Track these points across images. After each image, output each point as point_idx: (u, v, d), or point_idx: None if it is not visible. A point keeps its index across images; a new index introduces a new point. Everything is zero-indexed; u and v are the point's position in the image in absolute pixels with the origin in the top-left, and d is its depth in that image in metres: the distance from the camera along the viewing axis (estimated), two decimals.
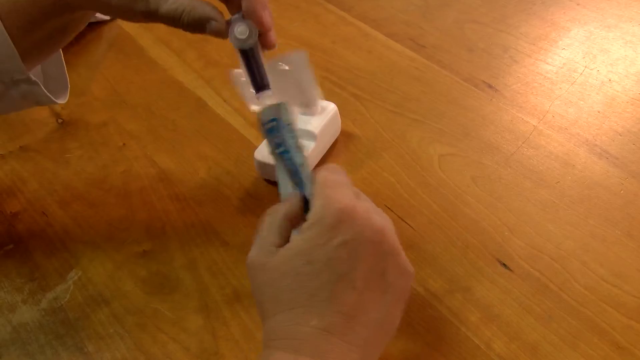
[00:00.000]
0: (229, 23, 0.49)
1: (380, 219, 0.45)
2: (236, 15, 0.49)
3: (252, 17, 0.47)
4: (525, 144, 0.69)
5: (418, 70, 0.81)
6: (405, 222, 0.62)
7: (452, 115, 0.73)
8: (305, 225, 0.44)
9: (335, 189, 0.45)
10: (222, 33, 0.48)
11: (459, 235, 0.60)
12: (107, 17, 0.95)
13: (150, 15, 0.49)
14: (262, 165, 0.66)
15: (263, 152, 0.66)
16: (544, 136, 0.69)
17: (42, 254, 0.62)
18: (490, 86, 0.77)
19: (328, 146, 0.70)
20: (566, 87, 0.75)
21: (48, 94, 0.57)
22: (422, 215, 0.62)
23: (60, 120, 0.78)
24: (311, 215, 0.44)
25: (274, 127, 0.49)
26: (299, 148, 0.49)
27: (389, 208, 0.63)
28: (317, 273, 0.42)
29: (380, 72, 0.81)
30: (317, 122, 0.68)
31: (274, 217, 0.46)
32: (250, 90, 0.53)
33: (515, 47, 0.83)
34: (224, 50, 0.87)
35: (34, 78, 0.55)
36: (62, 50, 0.61)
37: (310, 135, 0.67)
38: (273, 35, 0.51)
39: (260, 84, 0.53)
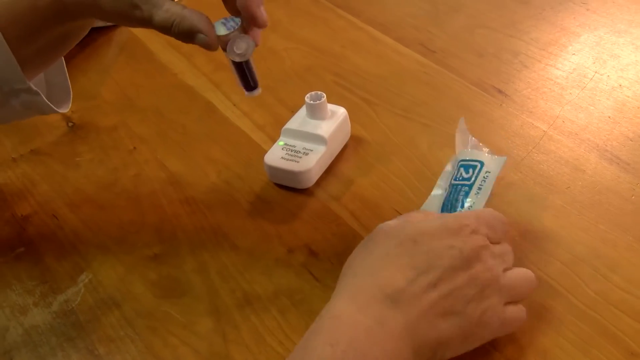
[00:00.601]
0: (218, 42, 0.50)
1: (488, 256, 0.48)
2: (234, 32, 0.49)
3: (246, 14, 0.47)
4: (535, 149, 0.69)
5: (427, 75, 0.81)
6: None
7: None
8: (443, 215, 0.50)
9: (482, 223, 0.50)
10: (210, 47, 0.49)
11: None
12: None
13: (146, 23, 0.50)
14: (272, 169, 0.66)
15: (273, 156, 0.66)
16: (554, 141, 0.69)
17: (53, 256, 0.62)
18: (500, 91, 0.77)
19: (338, 150, 0.70)
20: (576, 93, 0.75)
21: (49, 103, 0.58)
22: None
23: (70, 124, 0.78)
24: (445, 215, 0.50)
25: None
26: None
27: (399, 213, 0.64)
28: (416, 253, 0.46)
29: (389, 77, 0.81)
30: (327, 126, 0.68)
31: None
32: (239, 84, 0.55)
33: (525, 52, 0.83)
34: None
35: (34, 88, 0.55)
36: (72, 54, 0.62)
37: (320, 140, 0.67)
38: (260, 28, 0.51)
39: (251, 86, 0.54)
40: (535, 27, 0.88)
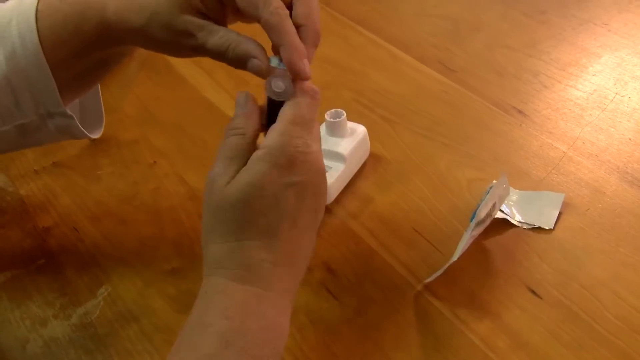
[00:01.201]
0: (270, 70, 0.49)
1: (323, 161, 0.48)
2: (280, 69, 0.48)
3: (289, 67, 0.47)
4: (555, 170, 0.69)
5: (447, 94, 0.81)
6: (434, 247, 0.62)
7: (481, 139, 0.74)
8: (260, 153, 0.45)
9: (301, 129, 0.46)
10: (262, 73, 0.48)
11: (488, 260, 0.60)
12: None
13: (198, 50, 0.50)
14: None
15: None
16: (574, 163, 0.69)
17: (73, 269, 0.63)
18: (519, 111, 0.77)
19: (357, 168, 0.71)
20: (597, 114, 0.75)
21: (82, 128, 0.59)
22: (451, 241, 0.62)
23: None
24: (268, 145, 0.45)
25: None
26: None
27: (417, 232, 0.64)
28: (267, 209, 0.45)
29: (409, 95, 0.82)
30: (346, 144, 0.68)
31: (243, 138, 0.47)
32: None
33: (545, 72, 0.83)
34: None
35: (69, 112, 0.56)
36: None
37: (339, 157, 0.67)
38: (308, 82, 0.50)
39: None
40: (556, 47, 0.88)
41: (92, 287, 0.61)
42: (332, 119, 0.68)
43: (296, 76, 0.47)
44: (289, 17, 0.47)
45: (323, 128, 0.70)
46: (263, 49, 0.49)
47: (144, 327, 0.58)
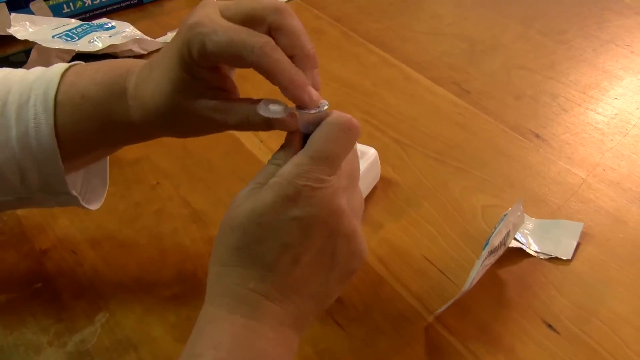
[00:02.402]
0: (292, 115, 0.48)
1: (341, 200, 0.46)
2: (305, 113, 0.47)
3: (295, 102, 0.46)
4: (573, 197, 0.68)
5: (462, 117, 0.81)
6: (446, 276, 0.62)
7: (496, 164, 0.73)
8: (271, 181, 0.45)
9: (318, 163, 0.45)
10: (291, 127, 0.47)
11: (502, 292, 0.60)
12: (142, 52, 0.98)
13: (224, 128, 0.50)
14: None
15: None
16: (594, 190, 0.69)
17: (70, 294, 0.63)
18: (537, 135, 0.77)
19: (367, 192, 0.70)
20: (618, 139, 0.75)
21: (84, 205, 0.59)
22: (464, 270, 0.62)
23: None
24: (280, 174, 0.45)
25: None
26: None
27: (429, 260, 0.63)
28: (264, 238, 0.44)
29: (422, 117, 0.82)
30: None
31: (277, 169, 0.46)
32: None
33: (564, 95, 0.83)
34: (262, 88, 0.88)
35: (74, 193, 0.57)
36: None
37: None
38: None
39: None
40: (576, 69, 0.88)
41: (90, 313, 0.61)
42: None
43: (305, 107, 0.46)
44: (276, 49, 0.45)
45: None
46: (280, 103, 0.48)
47: (142, 356, 0.57)
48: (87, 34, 0.96)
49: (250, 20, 0.46)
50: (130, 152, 0.79)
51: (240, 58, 0.45)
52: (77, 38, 0.95)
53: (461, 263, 0.63)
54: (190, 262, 0.65)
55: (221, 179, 0.75)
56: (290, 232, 0.44)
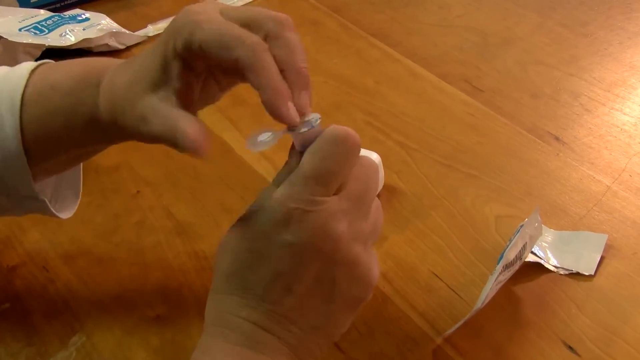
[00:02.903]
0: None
1: (338, 225, 0.46)
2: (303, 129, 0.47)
3: (269, 112, 0.46)
4: (597, 206, 0.70)
5: (474, 117, 0.82)
6: (456, 294, 0.63)
7: (512, 170, 0.75)
8: (257, 202, 0.46)
9: (309, 183, 0.45)
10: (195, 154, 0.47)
11: (518, 310, 0.61)
12: (120, 46, 0.99)
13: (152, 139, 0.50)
14: None
15: None
16: (620, 198, 0.70)
17: (42, 315, 0.64)
18: (557, 138, 0.78)
19: None
20: None
21: (53, 211, 0.60)
22: (475, 286, 0.63)
23: None
24: (273, 196, 0.46)
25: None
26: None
27: (437, 276, 0.64)
28: (255, 265, 0.46)
29: (430, 118, 0.83)
30: None
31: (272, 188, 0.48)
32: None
33: (587, 93, 0.84)
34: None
35: (41, 197, 0.58)
36: None
37: None
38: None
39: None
40: (600, 64, 0.89)
41: (64, 336, 0.62)
42: None
43: (280, 121, 0.46)
44: (267, 52, 0.46)
45: None
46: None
47: None
48: (59, 26, 0.98)
49: (247, 25, 0.47)
50: (108, 158, 0.80)
51: (227, 49, 0.45)
52: (47, 31, 0.96)
53: (473, 279, 0.64)
54: (175, 279, 0.66)
55: (208, 188, 0.76)
56: (282, 259, 0.45)
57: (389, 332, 0.60)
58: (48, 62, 0.56)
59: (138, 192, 0.76)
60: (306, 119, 0.47)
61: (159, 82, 0.48)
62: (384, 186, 0.73)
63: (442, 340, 0.59)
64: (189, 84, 0.49)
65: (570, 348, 0.58)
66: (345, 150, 0.46)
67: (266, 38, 0.47)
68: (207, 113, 0.85)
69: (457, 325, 0.58)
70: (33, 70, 0.55)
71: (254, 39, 0.46)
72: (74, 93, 0.53)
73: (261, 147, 0.47)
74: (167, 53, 0.47)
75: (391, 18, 1.02)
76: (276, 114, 0.45)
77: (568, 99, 0.84)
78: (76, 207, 0.65)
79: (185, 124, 0.47)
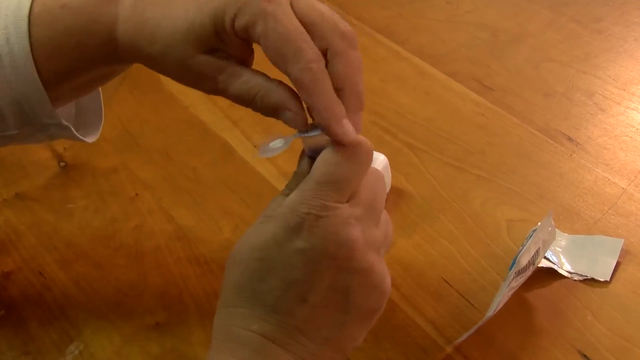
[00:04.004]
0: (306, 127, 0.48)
1: (352, 231, 0.46)
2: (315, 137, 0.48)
3: (326, 131, 0.46)
4: (612, 210, 0.70)
5: (484, 117, 0.82)
6: (467, 300, 0.63)
7: (523, 172, 0.75)
8: (275, 211, 0.46)
9: (323, 188, 0.46)
10: (298, 125, 0.48)
11: (531, 318, 0.61)
12: None
13: (219, 93, 0.51)
14: None
15: None
16: (636, 201, 0.70)
17: (38, 322, 0.64)
18: (570, 139, 0.78)
19: None
20: None
21: (79, 136, 0.60)
22: (486, 293, 0.63)
23: (62, 164, 0.80)
24: (284, 204, 0.46)
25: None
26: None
27: (446, 282, 0.64)
28: (267, 274, 0.45)
29: (438, 118, 0.83)
30: None
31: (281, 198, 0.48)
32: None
33: (601, 92, 0.84)
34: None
35: (65, 123, 0.57)
36: None
37: None
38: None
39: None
40: (614, 62, 0.89)
41: (60, 344, 0.62)
42: None
43: (335, 139, 0.47)
44: (325, 72, 0.46)
45: None
46: (297, 97, 0.48)
47: None
48: None
49: (313, 25, 0.47)
50: (105, 160, 0.80)
51: (283, 61, 0.45)
52: None
53: (484, 285, 0.64)
54: (175, 285, 0.66)
55: (209, 190, 0.76)
56: (294, 267, 0.45)
57: (397, 340, 0.60)
58: None
59: (137, 195, 0.76)
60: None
61: (214, 45, 0.49)
62: (391, 189, 0.73)
63: (452, 349, 0.59)
64: (243, 52, 0.50)
65: (585, 357, 0.58)
66: (360, 156, 0.47)
67: (327, 50, 0.47)
68: (208, 113, 0.86)
69: (467, 334, 0.58)
70: None
71: (311, 55, 0.45)
72: (88, 10, 0.52)
73: (273, 153, 0.48)
74: (222, 22, 0.47)
75: (397, 14, 1.02)
76: (330, 133, 0.46)
77: (582, 97, 0.84)
78: (100, 131, 0.64)
79: (280, 94, 0.48)
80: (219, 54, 0.49)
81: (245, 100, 0.49)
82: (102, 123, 0.65)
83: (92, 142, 0.81)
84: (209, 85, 0.50)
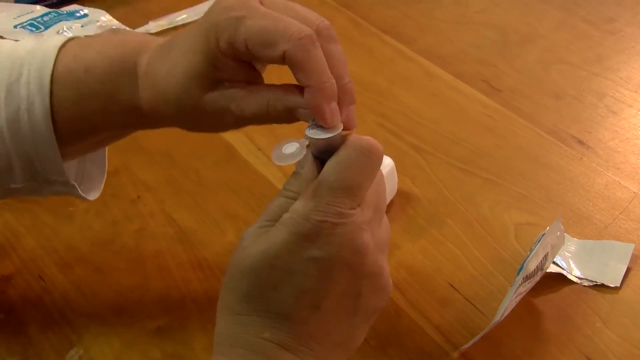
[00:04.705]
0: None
1: (366, 236, 0.46)
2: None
3: (313, 111, 0.47)
4: (623, 214, 0.70)
5: (492, 119, 0.82)
6: (473, 306, 0.63)
7: (532, 175, 0.75)
8: (284, 217, 0.46)
9: (338, 194, 0.45)
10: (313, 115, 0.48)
11: (539, 323, 0.61)
12: None
13: (241, 122, 0.51)
14: None
15: None
16: None
17: (38, 327, 0.64)
18: (580, 142, 0.78)
19: None
20: None
21: (83, 195, 0.60)
22: (494, 298, 0.63)
23: None
24: (295, 209, 0.45)
25: None
26: None
27: (453, 287, 0.65)
28: (279, 283, 0.45)
29: (446, 120, 0.83)
30: None
31: (283, 200, 0.47)
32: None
33: (613, 94, 0.84)
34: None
35: (72, 182, 0.58)
36: None
37: None
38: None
39: None
40: (627, 63, 0.89)
41: (60, 349, 0.62)
42: None
43: (322, 121, 0.47)
44: (317, 46, 0.46)
45: None
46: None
47: None
48: (56, 23, 0.98)
49: None
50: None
51: (272, 46, 0.45)
52: (43, 28, 0.97)
53: (491, 290, 0.64)
54: (177, 289, 0.66)
55: (212, 193, 0.76)
56: (309, 275, 0.45)
57: (403, 346, 0.61)
58: (77, 38, 0.56)
59: (138, 197, 0.76)
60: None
61: (215, 79, 0.49)
62: (398, 192, 0.73)
63: (459, 355, 0.59)
64: (247, 75, 0.50)
65: None
66: (373, 162, 0.47)
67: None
68: None
69: (474, 340, 0.58)
70: (62, 47, 0.54)
71: (303, 31, 0.46)
72: (110, 79, 0.53)
73: (290, 160, 0.47)
74: (211, 50, 0.48)
75: (404, 14, 1.02)
76: (317, 113, 0.46)
77: (593, 100, 0.84)
78: (102, 187, 0.65)
79: (290, 96, 0.48)
80: (225, 85, 0.50)
81: (262, 114, 0.49)
82: (104, 178, 0.66)
83: None
84: (229, 118, 0.51)
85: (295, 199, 0.46)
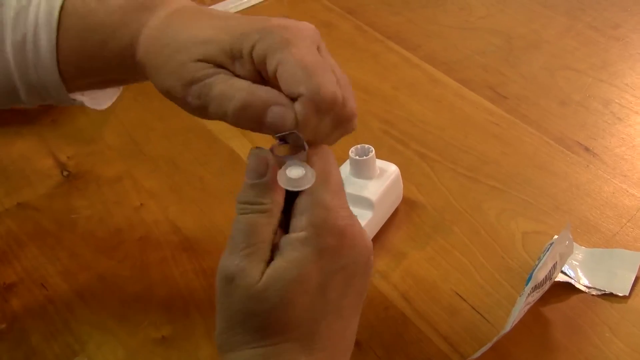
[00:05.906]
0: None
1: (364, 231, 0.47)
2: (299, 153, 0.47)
3: (315, 93, 0.45)
4: (631, 222, 0.69)
5: (498, 126, 0.82)
6: (481, 315, 0.63)
7: (539, 183, 0.75)
8: (301, 236, 0.44)
9: (340, 197, 0.46)
10: (288, 122, 0.46)
11: (547, 333, 0.61)
12: None
13: (202, 98, 0.49)
14: None
15: None
16: None
17: (41, 336, 0.64)
18: (587, 149, 0.78)
19: (387, 216, 0.72)
20: None
21: (92, 106, 0.60)
22: (501, 307, 0.63)
23: (66, 173, 0.81)
24: (312, 224, 0.44)
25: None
26: None
27: (460, 296, 0.64)
28: (311, 305, 0.44)
29: (451, 127, 0.83)
30: (375, 187, 0.69)
31: (266, 217, 0.45)
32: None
33: (619, 101, 0.84)
34: None
35: (79, 99, 0.58)
36: None
37: (367, 203, 0.68)
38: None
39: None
40: (633, 69, 0.89)
41: (64, 358, 0.62)
42: (357, 157, 0.69)
43: (329, 105, 0.45)
44: (324, 120, 0.46)
45: (347, 167, 0.71)
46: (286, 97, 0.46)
47: None
48: None
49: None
50: (109, 168, 0.80)
51: (295, 85, 0.44)
52: None
53: (498, 300, 0.64)
54: (181, 298, 0.66)
55: (216, 200, 0.76)
56: (335, 287, 0.45)
57: (409, 356, 0.60)
58: None
59: (142, 204, 0.76)
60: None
61: (221, 64, 0.48)
62: (403, 199, 0.73)
63: None
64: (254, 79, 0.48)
65: None
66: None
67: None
68: (216, 122, 0.85)
69: (482, 350, 0.58)
70: None
71: (329, 83, 0.45)
72: (121, 12, 0.52)
73: (304, 185, 0.45)
74: (240, 45, 0.46)
75: (409, 20, 1.02)
76: (322, 93, 0.45)
77: (598, 106, 0.84)
78: (115, 98, 0.64)
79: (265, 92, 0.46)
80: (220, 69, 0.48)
81: (227, 99, 0.47)
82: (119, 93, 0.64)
83: (96, 150, 0.82)
84: (196, 90, 0.48)
85: (267, 212, 0.45)
